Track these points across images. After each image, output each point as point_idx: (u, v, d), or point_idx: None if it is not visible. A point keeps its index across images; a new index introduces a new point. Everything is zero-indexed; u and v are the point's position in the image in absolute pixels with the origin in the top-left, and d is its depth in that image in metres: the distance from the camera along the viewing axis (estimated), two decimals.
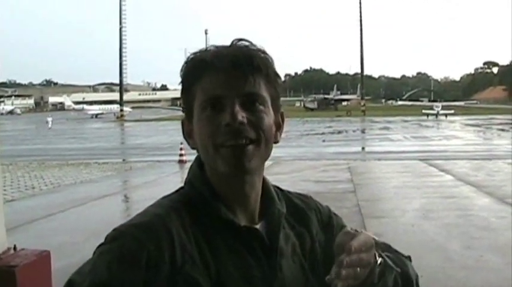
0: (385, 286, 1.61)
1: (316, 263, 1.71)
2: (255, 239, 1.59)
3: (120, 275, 1.42)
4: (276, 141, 1.65)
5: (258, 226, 1.63)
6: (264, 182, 1.70)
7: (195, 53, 1.61)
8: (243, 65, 1.55)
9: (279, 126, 1.67)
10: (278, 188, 1.79)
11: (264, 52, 1.61)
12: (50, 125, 73.22)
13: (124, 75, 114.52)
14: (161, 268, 1.44)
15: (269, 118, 1.59)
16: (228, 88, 1.53)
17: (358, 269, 1.45)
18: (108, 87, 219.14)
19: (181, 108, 1.67)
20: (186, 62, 1.61)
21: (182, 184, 1.70)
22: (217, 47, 1.60)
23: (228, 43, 1.62)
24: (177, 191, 1.66)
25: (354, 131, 56.97)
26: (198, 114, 1.57)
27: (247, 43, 1.60)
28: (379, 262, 1.56)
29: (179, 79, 1.63)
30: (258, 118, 1.55)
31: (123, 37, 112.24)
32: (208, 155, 1.57)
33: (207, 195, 1.59)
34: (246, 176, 1.59)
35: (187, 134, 1.66)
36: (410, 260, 1.83)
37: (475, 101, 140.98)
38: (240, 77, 1.54)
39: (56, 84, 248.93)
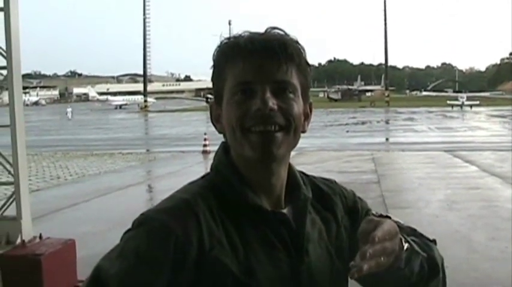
0: (412, 271, 1.62)
1: (342, 249, 1.71)
2: (282, 223, 1.59)
3: (147, 260, 1.43)
4: (304, 131, 1.63)
5: (284, 211, 1.62)
6: (290, 168, 1.68)
7: (228, 38, 1.61)
8: (277, 51, 1.54)
9: (307, 116, 1.66)
10: (303, 173, 1.78)
11: (297, 42, 1.61)
12: (70, 116, 73.22)
13: (148, 66, 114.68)
14: (189, 253, 1.45)
15: (299, 107, 1.58)
16: (260, 74, 1.53)
17: (382, 258, 1.44)
18: (132, 78, 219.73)
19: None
20: (218, 46, 1.61)
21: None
22: (251, 33, 1.59)
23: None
24: (203, 177, 1.66)
25: (377, 121, 56.81)
26: (228, 98, 1.57)
27: (281, 32, 1.60)
28: (405, 247, 1.56)
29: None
30: (288, 105, 1.55)
31: (147, 28, 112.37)
32: (235, 139, 1.56)
33: (233, 180, 1.59)
34: (273, 163, 1.59)
35: (215, 119, 1.65)
36: (435, 244, 1.84)
37: (500, 92, 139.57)
38: (273, 64, 1.54)
39: (80, 75, 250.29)
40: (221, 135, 1.67)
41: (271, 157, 1.55)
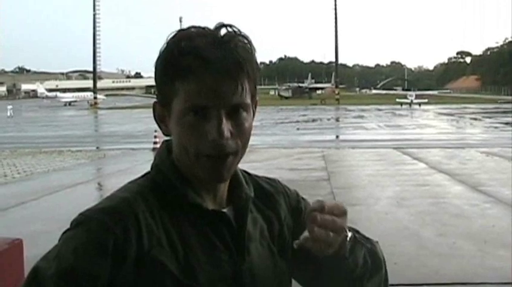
0: (356, 263, 1.62)
1: (285, 248, 1.70)
2: (223, 222, 1.58)
3: (86, 260, 1.41)
4: None
5: (225, 210, 1.61)
6: None
7: (176, 45, 1.50)
8: (234, 74, 1.48)
9: (253, 115, 1.62)
10: (246, 172, 1.77)
11: (249, 43, 1.54)
12: (9, 114, 70.94)
13: (98, 62, 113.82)
14: (128, 253, 1.43)
15: (250, 122, 1.56)
16: (215, 98, 1.47)
17: (331, 233, 1.46)
18: (82, 74, 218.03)
19: (155, 96, 1.62)
20: (167, 54, 1.51)
21: None
22: (200, 36, 1.50)
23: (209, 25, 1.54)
24: (143, 175, 1.63)
25: (328, 119, 57.26)
26: (178, 116, 1.50)
27: (231, 30, 1.52)
28: (349, 236, 1.56)
29: (152, 67, 1.57)
30: (241, 128, 1.52)
31: (97, 24, 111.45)
32: (187, 158, 1.53)
33: (175, 180, 1.57)
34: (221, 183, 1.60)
35: (160, 119, 1.60)
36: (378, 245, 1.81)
37: (448, 91, 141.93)
38: (229, 86, 1.47)
39: (28, 71, 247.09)
40: None
41: (221, 179, 1.56)
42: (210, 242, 1.54)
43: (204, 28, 1.54)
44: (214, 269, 1.52)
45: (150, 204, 1.51)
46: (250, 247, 1.61)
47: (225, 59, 1.47)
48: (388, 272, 1.82)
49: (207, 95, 1.46)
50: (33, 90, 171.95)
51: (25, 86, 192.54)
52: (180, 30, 1.54)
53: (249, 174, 1.78)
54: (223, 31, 1.52)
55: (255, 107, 1.64)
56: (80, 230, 1.45)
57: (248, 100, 1.54)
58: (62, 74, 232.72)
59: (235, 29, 1.53)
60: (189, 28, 1.54)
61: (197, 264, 1.50)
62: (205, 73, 1.46)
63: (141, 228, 1.45)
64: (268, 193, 1.77)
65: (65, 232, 1.49)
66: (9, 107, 75.03)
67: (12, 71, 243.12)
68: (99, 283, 1.41)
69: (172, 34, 1.54)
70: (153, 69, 1.57)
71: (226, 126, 1.48)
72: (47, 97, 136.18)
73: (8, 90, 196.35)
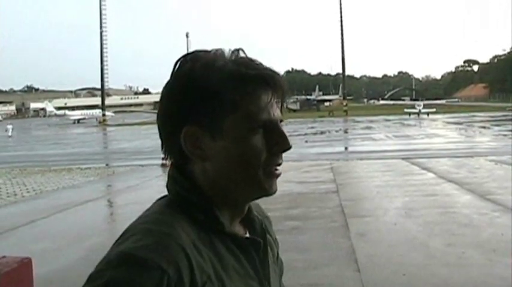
0: None
1: (281, 270, 1.79)
2: (255, 250, 1.57)
3: None
4: None
5: (248, 235, 1.61)
6: None
7: (222, 59, 1.51)
8: (284, 89, 1.55)
9: None
10: None
11: None
12: (10, 133, 70.53)
13: (106, 79, 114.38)
14: None
15: None
16: (276, 111, 1.53)
17: None
18: (90, 92, 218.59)
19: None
20: (216, 68, 1.49)
21: (165, 187, 1.59)
22: (244, 59, 1.53)
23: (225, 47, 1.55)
24: (167, 204, 1.53)
25: (336, 131, 57.11)
26: (242, 132, 1.47)
27: (246, 55, 1.55)
28: None
29: (161, 83, 1.53)
30: None
31: (104, 41, 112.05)
32: (246, 176, 1.50)
33: (205, 207, 1.50)
34: None
35: (194, 144, 1.50)
36: None
37: (456, 99, 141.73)
38: (279, 102, 1.55)
39: (37, 90, 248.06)
40: None
41: (276, 192, 1.59)
42: (245, 269, 1.52)
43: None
44: None
45: (191, 236, 1.41)
46: (270, 271, 1.62)
47: (277, 75, 1.53)
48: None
49: (273, 109, 1.51)
50: (42, 109, 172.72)
51: (34, 105, 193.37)
52: (201, 52, 1.54)
53: None
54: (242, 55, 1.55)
55: None
56: (124, 273, 1.28)
57: None
58: (71, 92, 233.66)
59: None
60: (205, 51, 1.55)
61: None
62: (274, 87, 1.51)
63: (192, 265, 1.35)
64: (263, 217, 1.75)
65: (95, 275, 1.31)
66: (9, 126, 74.42)
67: (20, 90, 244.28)
68: None
69: (193, 55, 1.53)
70: (160, 85, 1.54)
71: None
72: (55, 115, 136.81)
73: (17, 109, 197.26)
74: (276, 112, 1.51)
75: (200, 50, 1.54)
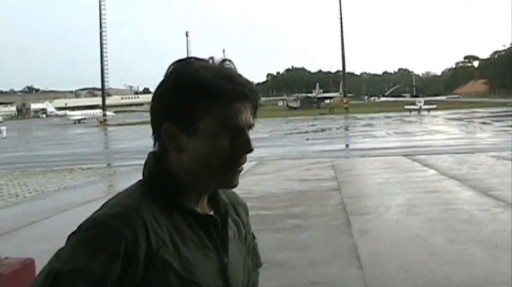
0: None
1: (249, 248, 2.08)
2: (213, 225, 1.83)
3: (100, 262, 1.56)
4: None
5: (211, 214, 1.87)
6: None
7: (206, 71, 1.75)
8: (257, 100, 1.81)
9: None
10: None
11: None
12: (4, 135, 69.00)
13: (106, 79, 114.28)
14: (137, 254, 1.60)
15: None
16: (244, 118, 1.76)
17: None
18: (91, 92, 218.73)
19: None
20: (198, 78, 1.73)
21: None
22: (218, 66, 1.78)
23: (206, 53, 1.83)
24: (140, 185, 1.82)
25: (337, 128, 57.20)
26: (211, 134, 1.72)
27: (232, 66, 1.80)
28: None
29: (171, 88, 1.76)
30: None
31: (104, 41, 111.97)
32: (208, 172, 1.76)
33: (169, 188, 1.77)
34: None
35: (171, 138, 1.76)
36: None
37: (456, 95, 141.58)
38: (250, 110, 1.79)
39: (37, 90, 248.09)
40: None
41: (237, 186, 1.84)
42: (202, 241, 1.78)
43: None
44: (207, 265, 1.76)
45: (152, 209, 1.69)
46: (229, 248, 1.86)
47: (252, 87, 1.79)
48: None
49: (241, 115, 1.75)
50: (43, 109, 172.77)
51: (34, 106, 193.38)
52: (192, 59, 1.81)
53: None
54: (227, 63, 1.81)
55: None
56: (92, 234, 1.61)
57: None
58: (71, 92, 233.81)
59: (231, 61, 1.82)
60: (196, 58, 1.81)
61: (194, 261, 1.72)
62: (239, 97, 1.74)
63: (148, 231, 1.63)
64: (233, 201, 2.05)
65: (73, 234, 1.66)
66: (3, 127, 73.03)
67: (21, 91, 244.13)
68: (110, 281, 1.57)
69: (184, 62, 1.80)
70: (167, 90, 1.77)
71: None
72: (56, 115, 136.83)
73: (17, 110, 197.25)
74: (245, 118, 1.75)
75: (193, 57, 1.81)
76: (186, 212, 1.77)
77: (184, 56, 1.82)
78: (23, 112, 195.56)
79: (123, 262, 1.57)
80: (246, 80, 1.78)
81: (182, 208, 1.76)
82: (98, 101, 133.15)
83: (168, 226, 1.70)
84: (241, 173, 1.80)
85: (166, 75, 1.78)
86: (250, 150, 1.76)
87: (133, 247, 1.59)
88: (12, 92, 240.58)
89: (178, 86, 1.73)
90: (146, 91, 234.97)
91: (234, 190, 1.95)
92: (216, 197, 1.92)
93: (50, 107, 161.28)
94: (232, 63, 1.80)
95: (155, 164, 1.83)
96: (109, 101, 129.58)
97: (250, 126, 1.78)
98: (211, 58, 1.79)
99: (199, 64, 1.76)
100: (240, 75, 1.77)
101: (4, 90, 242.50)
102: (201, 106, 1.72)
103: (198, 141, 1.73)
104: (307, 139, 41.82)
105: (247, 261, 2.02)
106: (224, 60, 1.79)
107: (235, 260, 1.88)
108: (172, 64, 1.79)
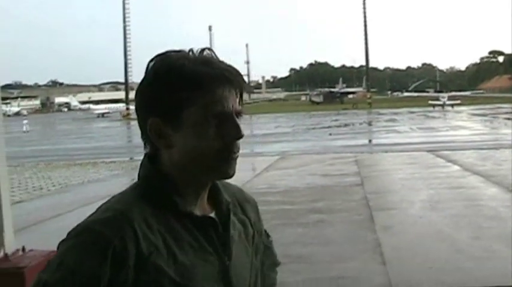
0: None
1: (257, 249, 1.97)
2: (212, 227, 1.75)
3: (88, 269, 1.53)
4: None
5: (212, 215, 1.79)
6: None
7: (183, 55, 1.72)
8: (241, 84, 1.73)
9: None
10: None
11: None
12: (25, 129, 68.50)
13: (129, 73, 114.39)
14: (127, 261, 1.56)
15: None
16: (230, 104, 1.69)
17: None
18: (114, 86, 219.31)
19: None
20: (176, 67, 1.68)
21: None
22: (194, 54, 1.73)
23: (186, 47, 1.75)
24: (134, 187, 1.77)
25: (360, 123, 57.05)
26: (197, 123, 1.67)
27: (213, 54, 1.75)
28: None
29: (150, 81, 1.73)
30: None
31: (127, 35, 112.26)
32: (201, 163, 1.69)
33: (164, 189, 1.71)
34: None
35: (157, 133, 1.71)
36: None
37: (481, 91, 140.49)
38: (236, 95, 1.72)
39: (61, 84, 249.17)
40: None
41: (234, 174, 1.74)
42: (201, 245, 1.70)
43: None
44: (205, 269, 1.69)
45: (145, 213, 1.64)
46: (232, 248, 1.78)
47: (234, 71, 1.72)
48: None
49: (226, 101, 1.68)
50: (67, 103, 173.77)
51: (58, 99, 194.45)
52: (171, 51, 1.75)
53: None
54: (206, 51, 1.75)
55: None
56: (80, 241, 1.58)
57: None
58: (94, 86, 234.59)
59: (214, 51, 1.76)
60: (175, 51, 1.75)
61: (191, 266, 1.65)
62: (226, 82, 1.69)
63: (138, 237, 1.58)
64: (240, 199, 1.97)
65: (62, 242, 1.62)
66: (25, 121, 73.14)
67: (45, 85, 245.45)
68: None
69: (162, 55, 1.75)
70: (147, 84, 1.72)
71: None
72: (80, 109, 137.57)
73: (41, 104, 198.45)
74: (231, 104, 1.69)
75: (171, 50, 1.75)
76: (182, 214, 1.70)
77: None
78: (47, 106, 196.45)
79: (111, 268, 1.54)
80: (227, 65, 1.72)
81: (177, 210, 1.69)
82: (121, 95, 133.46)
83: (162, 230, 1.64)
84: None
85: (146, 70, 1.74)
86: (240, 136, 1.69)
87: (122, 252, 1.55)
88: (37, 86, 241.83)
89: (158, 77, 1.69)
90: None
91: (247, 188, 1.87)
92: (218, 196, 1.84)
93: (73, 100, 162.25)
94: (213, 52, 1.75)
95: (148, 164, 1.76)
96: (132, 95, 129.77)
97: (239, 112, 1.71)
98: (191, 50, 1.73)
99: (178, 55, 1.72)
100: (220, 61, 1.72)
101: (29, 84, 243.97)
102: (182, 95, 1.66)
103: (185, 133, 1.68)
104: (330, 134, 41.77)
105: (255, 261, 1.93)
106: (204, 49, 1.74)
107: (239, 262, 1.81)
108: (151, 59, 1.75)
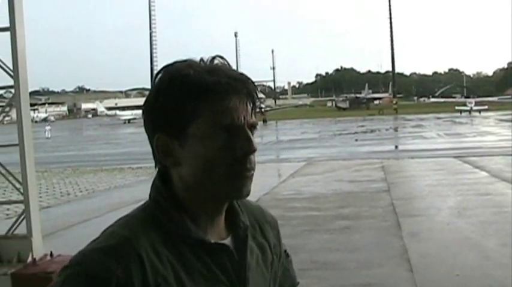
0: None
1: (276, 275, 1.81)
2: (225, 254, 1.61)
3: None
4: None
5: (226, 241, 1.64)
6: None
7: (189, 69, 1.56)
8: (252, 94, 1.56)
9: None
10: None
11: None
12: (48, 135, 68.94)
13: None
14: None
15: None
16: (241, 115, 1.54)
17: None
18: (140, 92, 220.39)
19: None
20: (182, 79, 1.55)
21: None
22: (204, 63, 1.59)
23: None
24: (143, 208, 1.63)
25: (386, 129, 56.85)
26: (204, 137, 1.53)
27: (224, 61, 1.60)
28: None
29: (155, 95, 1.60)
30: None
31: (154, 41, 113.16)
32: (211, 180, 1.54)
33: (174, 214, 1.56)
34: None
35: (164, 151, 1.59)
36: None
37: (508, 96, 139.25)
38: (248, 106, 1.56)
39: (88, 90, 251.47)
40: None
41: (248, 194, 1.59)
42: (213, 274, 1.56)
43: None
44: None
45: (153, 240, 1.50)
46: (249, 277, 1.64)
47: (244, 79, 1.57)
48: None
49: (236, 112, 1.53)
50: (93, 109, 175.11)
51: (85, 105, 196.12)
52: (177, 62, 1.61)
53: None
54: (217, 59, 1.60)
55: None
56: (79, 272, 1.44)
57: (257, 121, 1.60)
58: (121, 92, 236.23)
59: (226, 59, 1.61)
60: (183, 60, 1.60)
61: None
62: (233, 92, 1.53)
63: (144, 267, 1.45)
64: (260, 220, 1.82)
65: (63, 269, 1.48)
66: (47, 127, 73.41)
67: (72, 91, 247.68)
68: None
69: (168, 66, 1.61)
70: (152, 99, 1.59)
71: (254, 141, 1.56)
72: (106, 115, 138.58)
73: (68, 110, 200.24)
74: (241, 116, 1.53)
75: (179, 60, 1.60)
76: (194, 241, 1.55)
77: (233, 56, 1.68)
78: (74, 112, 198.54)
79: None
80: (237, 73, 1.57)
81: (189, 236, 1.55)
82: None
83: (171, 258, 1.51)
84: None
85: (152, 84, 1.61)
86: (252, 150, 1.54)
87: (126, 284, 1.41)
88: (64, 92, 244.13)
89: (161, 90, 1.56)
90: None
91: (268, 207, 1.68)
92: (235, 219, 1.68)
93: (100, 107, 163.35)
94: (225, 59, 1.60)
95: (159, 184, 1.62)
96: None
97: (252, 124, 1.56)
98: (201, 59, 1.59)
99: (183, 65, 1.58)
100: (230, 69, 1.59)
101: (56, 90, 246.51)
102: (187, 107, 1.53)
103: (192, 148, 1.54)
104: (356, 140, 41.65)
105: None
106: (214, 57, 1.60)
107: None
108: (158, 71, 1.62)
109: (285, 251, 1.93)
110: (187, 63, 1.57)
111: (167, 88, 1.55)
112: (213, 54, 1.60)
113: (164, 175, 1.62)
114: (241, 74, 1.58)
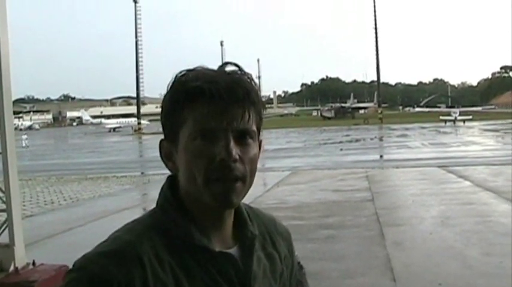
0: None
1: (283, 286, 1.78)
2: (230, 264, 1.59)
3: None
4: None
5: (232, 250, 1.63)
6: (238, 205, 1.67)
7: (184, 75, 1.58)
8: (241, 99, 1.54)
9: (258, 154, 1.64)
10: (248, 206, 1.79)
11: (253, 79, 1.61)
12: (24, 144, 67.35)
13: (141, 88, 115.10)
14: None
15: (255, 151, 1.59)
16: (224, 121, 1.52)
17: None
18: (126, 100, 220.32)
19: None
20: (176, 83, 1.58)
21: None
22: (208, 70, 1.59)
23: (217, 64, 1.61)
24: (150, 214, 1.64)
25: (371, 139, 56.95)
26: (186, 143, 1.55)
27: (236, 68, 1.59)
28: None
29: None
30: (248, 155, 1.56)
31: (139, 50, 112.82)
32: (195, 186, 1.54)
33: (180, 220, 1.57)
34: (229, 209, 1.62)
35: (167, 156, 1.64)
36: None
37: (492, 106, 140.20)
38: (237, 112, 1.53)
39: (73, 99, 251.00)
40: None
41: (231, 205, 1.57)
42: (216, 283, 1.55)
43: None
44: None
45: (156, 246, 1.51)
46: (253, 286, 1.62)
47: (234, 85, 1.54)
48: None
49: (216, 118, 1.52)
50: (78, 117, 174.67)
51: (70, 114, 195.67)
52: (194, 68, 1.61)
53: (251, 208, 1.80)
54: (228, 67, 1.59)
55: (260, 149, 1.66)
56: (82, 275, 1.45)
57: (254, 128, 1.59)
58: (106, 100, 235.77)
59: (239, 65, 1.60)
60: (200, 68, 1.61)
61: None
62: (213, 99, 1.52)
63: (146, 273, 1.46)
64: (271, 232, 1.80)
65: (68, 272, 1.50)
66: (24, 137, 71.61)
67: (57, 99, 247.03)
68: None
69: (182, 71, 1.60)
70: (162, 106, 1.63)
71: (235, 148, 1.52)
72: (91, 124, 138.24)
73: (53, 118, 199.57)
74: (224, 122, 1.52)
75: (192, 68, 1.60)
76: (198, 248, 1.55)
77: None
78: (59, 120, 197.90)
79: None
80: (232, 79, 1.55)
81: (193, 243, 1.55)
82: (133, 109, 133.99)
83: (174, 265, 1.51)
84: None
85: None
86: (225, 158, 1.51)
87: None
88: (49, 100, 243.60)
89: (164, 96, 1.61)
90: None
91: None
92: (243, 229, 1.68)
93: (85, 115, 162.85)
94: (237, 65, 1.59)
95: (167, 190, 1.64)
96: (144, 109, 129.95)
97: (242, 131, 1.55)
98: (221, 66, 1.60)
99: (185, 71, 1.59)
100: (222, 74, 1.56)
101: (41, 98, 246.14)
102: (176, 113, 1.56)
103: (180, 154, 1.57)
104: (341, 149, 41.70)
105: None
106: (224, 63, 1.60)
107: None
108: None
109: (299, 263, 1.93)
110: (189, 70, 1.59)
111: (166, 94, 1.60)
112: (225, 61, 1.61)
113: (173, 181, 1.64)
114: (237, 80, 1.55)
